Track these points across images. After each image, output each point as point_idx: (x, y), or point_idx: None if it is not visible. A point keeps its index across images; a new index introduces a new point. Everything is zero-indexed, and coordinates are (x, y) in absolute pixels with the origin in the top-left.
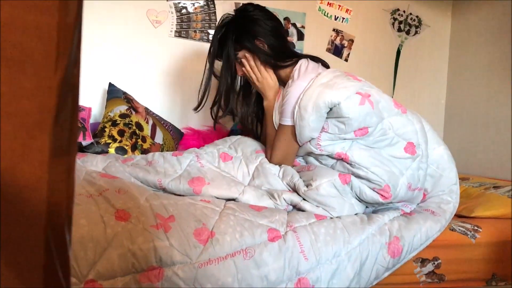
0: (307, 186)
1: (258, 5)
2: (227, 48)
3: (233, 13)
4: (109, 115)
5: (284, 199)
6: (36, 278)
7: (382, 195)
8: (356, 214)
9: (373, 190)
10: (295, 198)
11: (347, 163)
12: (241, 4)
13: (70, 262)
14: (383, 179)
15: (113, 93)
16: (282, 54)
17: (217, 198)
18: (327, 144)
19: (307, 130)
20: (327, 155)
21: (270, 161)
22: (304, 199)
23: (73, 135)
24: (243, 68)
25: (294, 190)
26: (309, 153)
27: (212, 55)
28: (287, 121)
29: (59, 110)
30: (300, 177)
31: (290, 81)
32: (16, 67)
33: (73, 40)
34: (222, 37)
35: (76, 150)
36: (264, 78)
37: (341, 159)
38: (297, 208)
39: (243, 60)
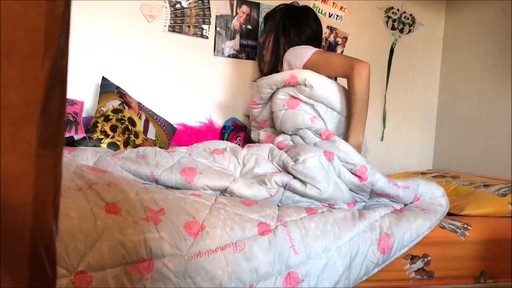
0: (294, 162)
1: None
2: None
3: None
4: (101, 110)
5: (275, 182)
6: (21, 268)
7: (359, 176)
8: (348, 210)
9: (350, 172)
10: (285, 178)
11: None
12: None
13: (57, 253)
14: (360, 161)
15: (106, 88)
16: None
17: (209, 187)
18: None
19: None
20: (314, 131)
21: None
22: (294, 177)
23: (61, 127)
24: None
25: (284, 169)
26: (297, 130)
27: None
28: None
29: (46, 102)
30: (288, 155)
31: None
32: (3, 58)
33: (62, 32)
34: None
35: (63, 142)
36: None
37: (325, 138)
38: (287, 188)
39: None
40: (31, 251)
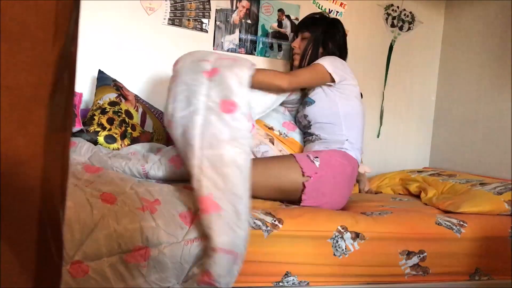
0: None
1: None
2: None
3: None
4: (98, 103)
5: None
6: (28, 252)
7: None
8: None
9: None
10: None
11: None
12: None
13: (63, 238)
14: None
15: (103, 81)
16: None
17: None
18: None
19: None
20: None
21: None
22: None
23: (69, 111)
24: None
25: None
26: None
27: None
28: (326, 65)
29: (55, 85)
30: None
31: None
32: (14, 41)
33: (71, 17)
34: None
35: (71, 127)
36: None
37: None
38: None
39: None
40: (38, 235)
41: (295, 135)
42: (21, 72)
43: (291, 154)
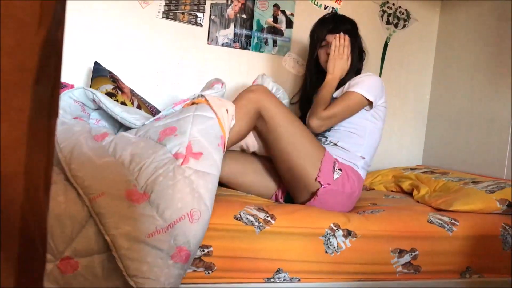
0: None
1: None
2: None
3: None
4: None
5: None
6: (11, 241)
7: None
8: None
9: None
10: None
11: None
12: None
13: (48, 228)
14: None
15: (99, 72)
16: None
17: None
18: None
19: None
20: None
21: (320, 115)
22: None
23: (56, 98)
24: (336, 40)
25: None
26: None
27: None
28: (365, 93)
29: (40, 70)
30: None
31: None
32: None
33: (58, 1)
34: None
35: (57, 114)
36: (345, 60)
37: None
38: None
39: (341, 36)
40: (21, 224)
41: None
42: (3, 56)
43: (324, 149)
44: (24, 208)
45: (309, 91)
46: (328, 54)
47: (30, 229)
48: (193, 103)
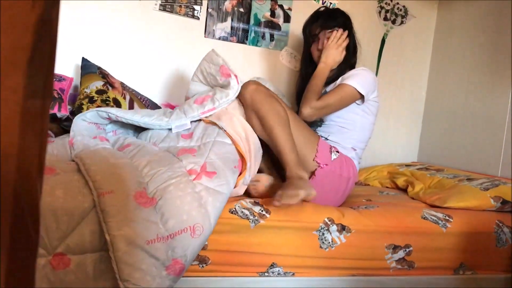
0: None
1: None
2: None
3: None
4: (85, 92)
5: None
6: (3, 223)
7: None
8: None
9: None
10: None
11: None
12: None
13: (40, 215)
14: None
15: (87, 68)
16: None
17: None
18: None
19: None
20: None
21: (313, 104)
22: None
23: (50, 79)
24: (332, 35)
25: None
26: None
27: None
28: (357, 86)
29: (34, 51)
30: None
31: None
32: None
33: None
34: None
35: (51, 94)
36: (340, 51)
37: None
38: None
39: (340, 30)
40: (13, 206)
41: None
42: None
43: (319, 136)
44: (17, 189)
45: (304, 86)
46: (319, 50)
47: (23, 211)
48: (213, 122)
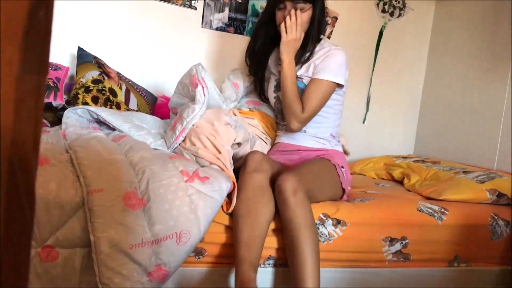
0: None
1: None
2: None
3: None
4: (81, 81)
5: None
6: None
7: None
8: None
9: None
10: None
11: None
12: None
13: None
14: None
15: (83, 58)
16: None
17: None
18: None
19: None
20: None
21: (300, 117)
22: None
23: (46, 54)
24: (288, 19)
25: None
26: None
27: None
28: (333, 78)
29: (30, 24)
30: None
31: (330, 45)
32: None
33: None
34: None
35: (47, 69)
36: (299, 32)
37: None
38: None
39: (299, 12)
40: (8, 182)
41: (264, 109)
42: None
43: (334, 166)
44: (12, 165)
45: (258, 50)
46: (284, 18)
47: (18, 189)
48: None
